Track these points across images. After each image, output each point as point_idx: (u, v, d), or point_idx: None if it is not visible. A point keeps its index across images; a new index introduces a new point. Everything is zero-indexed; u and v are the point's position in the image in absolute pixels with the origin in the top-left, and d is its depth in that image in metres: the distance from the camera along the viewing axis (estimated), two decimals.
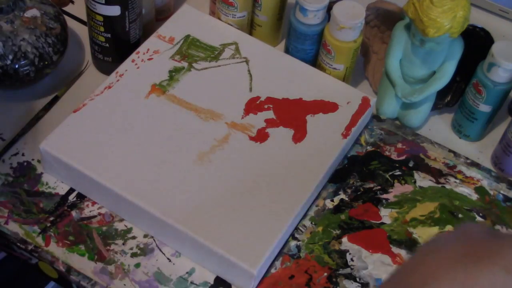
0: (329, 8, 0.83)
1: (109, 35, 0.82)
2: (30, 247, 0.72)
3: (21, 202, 0.75)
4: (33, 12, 0.80)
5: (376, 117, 0.85)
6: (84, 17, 0.90)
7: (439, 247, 0.48)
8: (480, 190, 0.80)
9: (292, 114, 0.80)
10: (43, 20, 0.80)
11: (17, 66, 0.79)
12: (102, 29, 0.82)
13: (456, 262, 0.45)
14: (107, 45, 0.83)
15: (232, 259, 0.68)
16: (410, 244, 0.75)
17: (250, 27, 0.90)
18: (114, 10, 0.80)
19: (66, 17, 0.86)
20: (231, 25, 0.87)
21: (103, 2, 0.78)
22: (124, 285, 0.70)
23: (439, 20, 0.73)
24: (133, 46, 0.85)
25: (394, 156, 0.82)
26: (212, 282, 0.71)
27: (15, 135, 0.80)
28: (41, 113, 0.82)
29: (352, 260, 0.73)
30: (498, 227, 0.77)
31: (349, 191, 0.78)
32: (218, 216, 0.71)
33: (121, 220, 0.74)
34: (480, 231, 0.48)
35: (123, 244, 0.73)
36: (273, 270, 0.72)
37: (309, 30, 0.83)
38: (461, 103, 0.85)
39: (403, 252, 0.74)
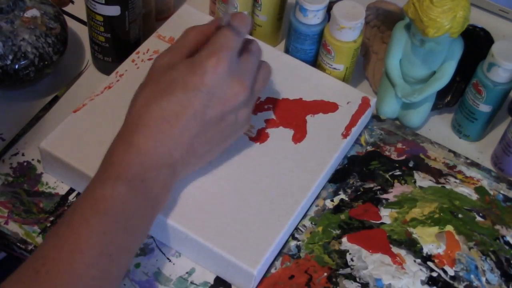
0: (329, 8, 0.83)
1: (109, 35, 0.82)
2: (30, 247, 0.72)
3: (21, 202, 0.75)
4: (33, 12, 0.80)
5: (376, 117, 0.85)
6: (84, 17, 0.90)
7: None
8: (480, 190, 0.80)
9: (292, 114, 0.80)
10: (43, 20, 0.80)
11: (17, 66, 0.79)
12: (102, 29, 0.82)
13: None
14: (107, 45, 0.83)
15: (232, 259, 0.68)
16: (410, 244, 0.75)
17: None
18: (114, 10, 0.80)
19: (66, 17, 0.86)
20: None
21: (103, 2, 0.78)
22: (124, 285, 0.70)
23: (439, 20, 0.73)
24: (133, 46, 0.85)
25: (394, 156, 0.82)
26: (212, 282, 0.71)
27: (15, 135, 0.80)
28: (41, 113, 0.82)
29: (352, 260, 0.73)
30: (498, 227, 0.77)
31: (349, 191, 0.78)
32: (218, 216, 0.71)
33: None
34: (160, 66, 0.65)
35: None
36: (273, 270, 0.72)
37: (309, 30, 0.83)
38: (461, 103, 0.85)
39: (403, 252, 0.74)
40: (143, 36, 0.86)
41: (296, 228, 0.75)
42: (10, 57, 0.78)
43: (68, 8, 0.94)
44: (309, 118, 0.80)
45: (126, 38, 0.84)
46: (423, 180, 0.80)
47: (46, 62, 0.81)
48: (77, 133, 0.75)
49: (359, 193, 0.78)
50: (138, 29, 0.84)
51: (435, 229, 0.76)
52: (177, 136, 0.62)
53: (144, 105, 0.63)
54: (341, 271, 0.72)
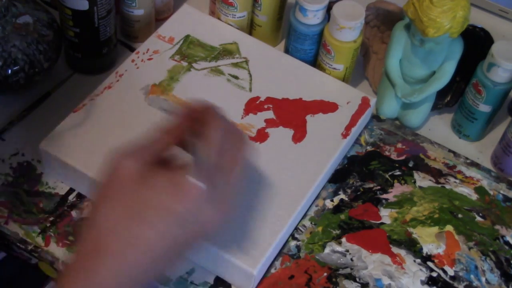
0: (329, 8, 0.83)
1: (78, 30, 0.81)
2: (30, 247, 0.72)
3: (21, 202, 0.75)
4: (25, 19, 0.78)
5: (376, 117, 0.85)
6: None
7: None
8: (480, 190, 0.80)
9: (292, 114, 0.80)
10: (36, 27, 0.79)
11: (9, 72, 0.77)
12: (71, 23, 0.80)
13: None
14: (77, 40, 0.82)
15: (232, 259, 0.68)
16: (409, 244, 0.75)
17: (250, 27, 0.90)
18: (82, 4, 0.78)
19: None
20: (231, 25, 0.87)
21: None
22: None
23: (439, 20, 0.73)
24: (103, 43, 0.83)
25: (394, 156, 0.82)
26: (212, 282, 0.71)
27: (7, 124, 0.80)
28: (38, 112, 0.82)
29: (352, 260, 0.73)
30: (498, 227, 0.77)
31: (349, 191, 0.78)
32: None
33: None
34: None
35: None
36: (273, 270, 0.72)
37: (309, 30, 0.83)
38: (461, 103, 0.85)
39: (402, 252, 0.74)
40: (143, 36, 0.85)
41: (296, 228, 0.75)
42: (0, 63, 0.77)
43: None
44: (309, 118, 0.80)
45: (95, 35, 0.82)
46: (423, 180, 0.80)
47: (36, 70, 0.79)
48: (77, 133, 0.75)
49: (359, 193, 0.78)
50: (109, 26, 0.82)
51: (435, 229, 0.76)
52: (143, 266, 0.53)
53: (111, 229, 0.53)
54: (341, 271, 0.72)
